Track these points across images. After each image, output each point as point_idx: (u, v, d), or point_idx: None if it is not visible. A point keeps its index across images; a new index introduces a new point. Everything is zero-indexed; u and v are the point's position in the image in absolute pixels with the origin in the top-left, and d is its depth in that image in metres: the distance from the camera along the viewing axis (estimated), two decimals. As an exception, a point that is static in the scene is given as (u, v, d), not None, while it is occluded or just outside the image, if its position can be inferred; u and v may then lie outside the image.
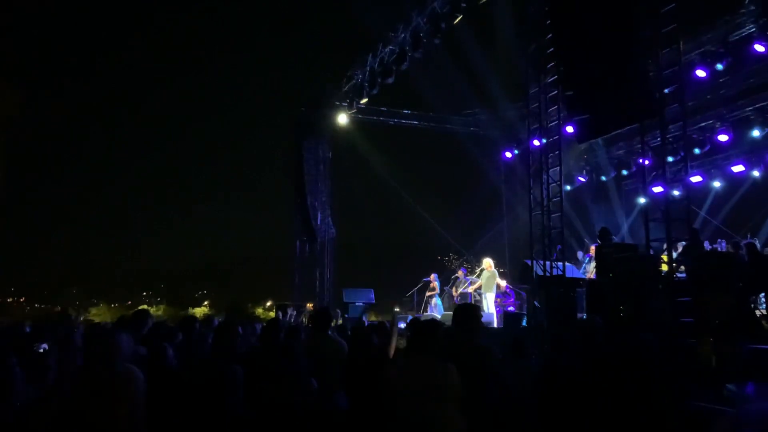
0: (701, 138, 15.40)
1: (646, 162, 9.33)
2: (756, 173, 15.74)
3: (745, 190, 16.36)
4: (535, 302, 10.16)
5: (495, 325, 12.39)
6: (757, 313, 9.08)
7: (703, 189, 16.50)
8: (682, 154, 8.64)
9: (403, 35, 14.52)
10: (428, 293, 15.03)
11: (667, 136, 8.44)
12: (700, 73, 12.79)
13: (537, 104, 10.83)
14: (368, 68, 16.07)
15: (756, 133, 14.61)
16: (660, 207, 8.42)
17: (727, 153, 15.96)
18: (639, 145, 12.14)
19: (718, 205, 16.67)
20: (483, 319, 6.18)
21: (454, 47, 17.41)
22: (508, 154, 19.58)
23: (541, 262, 10.31)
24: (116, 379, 3.70)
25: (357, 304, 15.21)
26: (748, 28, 12.36)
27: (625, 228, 17.86)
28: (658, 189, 8.64)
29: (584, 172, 19.14)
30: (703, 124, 15.27)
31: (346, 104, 17.93)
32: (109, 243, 51.60)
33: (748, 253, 9.46)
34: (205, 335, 5.58)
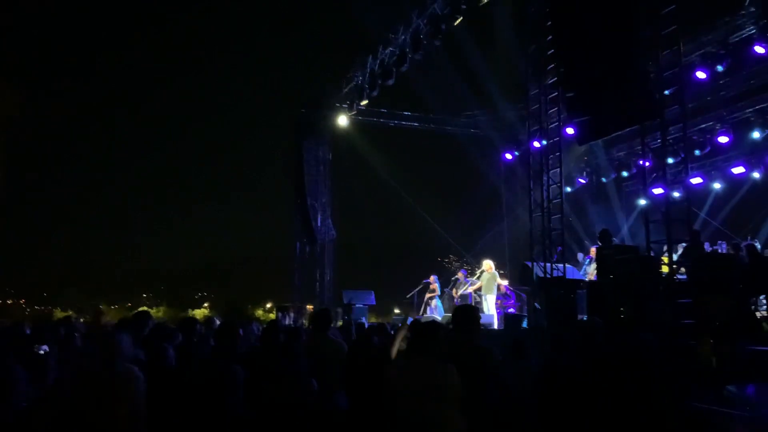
0: (701, 139, 15.38)
1: (647, 163, 9.35)
2: (756, 175, 15.70)
3: (746, 192, 16.33)
4: (536, 304, 10.16)
5: (495, 326, 12.37)
6: (758, 314, 9.08)
7: (704, 190, 16.47)
8: (683, 155, 8.66)
9: (403, 37, 14.52)
10: (428, 295, 14.99)
11: (668, 138, 8.45)
12: (701, 74, 12.79)
13: (537, 105, 10.84)
14: (368, 70, 16.08)
15: (756, 134, 14.59)
16: (660, 208, 8.43)
17: (728, 154, 15.93)
18: (639, 147, 12.18)
19: (718, 207, 16.64)
20: (483, 321, 6.20)
21: (454, 49, 17.49)
22: (508, 156, 19.56)
23: (542, 264, 10.32)
24: (116, 379, 3.70)
25: (358, 305, 15.18)
26: (748, 29, 12.37)
27: (625, 229, 17.82)
28: (658, 190, 8.65)
29: (584, 173, 19.12)
30: (703, 125, 15.25)
31: (346, 106, 17.95)
32: (109, 243, 51.75)
33: (749, 254, 9.46)
34: (206, 336, 5.60)
